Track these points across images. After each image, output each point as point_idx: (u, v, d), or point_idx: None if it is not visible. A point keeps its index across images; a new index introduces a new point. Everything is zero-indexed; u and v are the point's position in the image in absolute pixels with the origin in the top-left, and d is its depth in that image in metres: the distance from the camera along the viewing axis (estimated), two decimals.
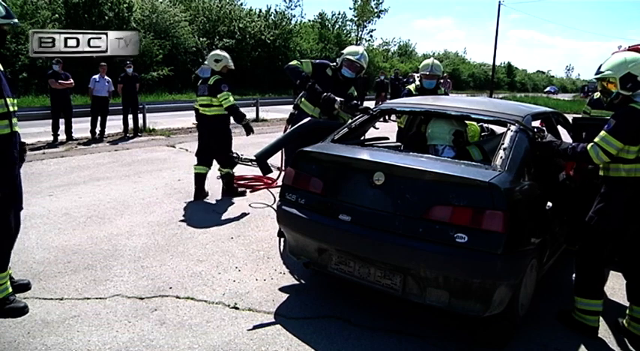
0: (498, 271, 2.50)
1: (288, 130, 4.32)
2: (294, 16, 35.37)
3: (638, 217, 2.82)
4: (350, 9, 53.20)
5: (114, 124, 10.92)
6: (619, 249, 3.00)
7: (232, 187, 6.02)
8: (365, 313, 3.14)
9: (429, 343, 2.84)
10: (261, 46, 28.16)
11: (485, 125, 4.38)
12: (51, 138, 9.70)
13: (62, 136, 9.86)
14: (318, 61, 4.81)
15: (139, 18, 22.97)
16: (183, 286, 3.46)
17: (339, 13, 43.94)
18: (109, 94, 10.52)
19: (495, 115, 3.24)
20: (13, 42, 17.15)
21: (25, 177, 4.25)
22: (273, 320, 3.03)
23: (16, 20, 2.87)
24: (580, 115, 5.43)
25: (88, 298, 3.21)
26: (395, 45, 49.46)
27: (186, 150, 9.17)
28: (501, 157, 2.81)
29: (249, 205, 5.62)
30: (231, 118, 5.81)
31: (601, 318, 3.10)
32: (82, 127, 10.37)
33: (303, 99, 4.67)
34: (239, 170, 6.26)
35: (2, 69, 2.93)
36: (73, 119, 10.05)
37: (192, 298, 3.27)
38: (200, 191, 5.83)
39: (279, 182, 4.27)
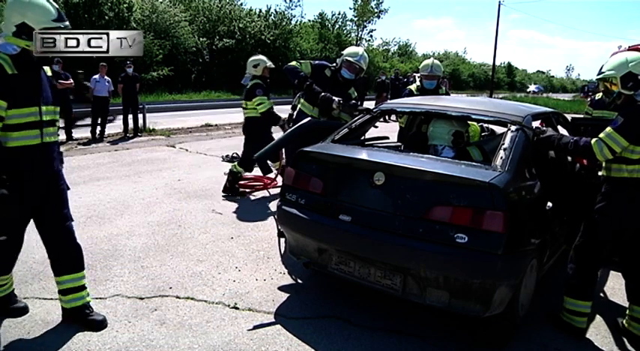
0: (498, 272, 2.50)
1: (288, 130, 4.32)
2: (294, 16, 35.44)
3: (638, 217, 2.82)
4: (350, 9, 53.26)
5: (114, 124, 10.92)
6: (619, 249, 3.00)
7: (234, 187, 6.05)
8: (365, 313, 3.14)
9: (429, 343, 2.84)
10: (261, 46, 28.13)
11: (486, 125, 4.38)
12: None
13: (62, 136, 9.85)
14: (317, 62, 4.82)
15: (139, 18, 22.96)
16: (183, 286, 3.46)
17: (339, 13, 44.06)
18: (110, 94, 10.52)
19: (495, 116, 3.23)
20: None
21: None
22: (273, 320, 3.03)
23: (67, 23, 2.58)
24: (581, 116, 5.42)
25: None
26: (395, 45, 49.55)
27: (186, 150, 9.18)
28: (501, 158, 2.81)
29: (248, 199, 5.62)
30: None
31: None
32: (82, 127, 10.37)
33: (301, 99, 4.68)
34: None
35: (49, 73, 2.73)
36: (71, 120, 10.04)
37: (192, 298, 3.27)
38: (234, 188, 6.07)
39: (279, 182, 4.27)
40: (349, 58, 4.52)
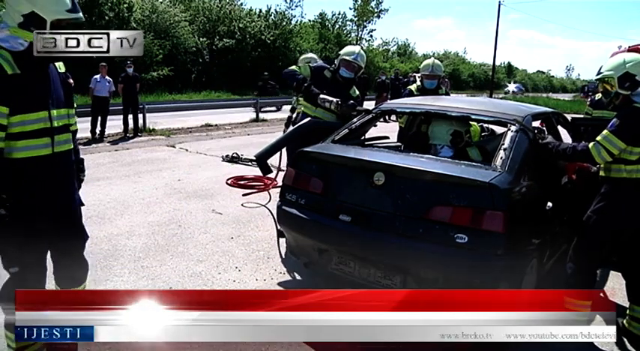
0: (498, 272, 2.50)
1: (287, 131, 4.33)
2: (295, 17, 35.42)
3: (637, 217, 2.82)
4: (350, 9, 53.16)
5: (114, 124, 10.91)
6: (618, 249, 3.00)
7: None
8: None
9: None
10: (261, 46, 28.17)
11: (486, 125, 4.39)
12: None
13: None
14: (316, 64, 4.84)
15: (139, 18, 22.97)
16: (183, 286, 3.46)
17: (339, 13, 43.86)
18: (110, 94, 10.52)
19: (495, 116, 3.24)
20: None
21: None
22: None
23: (81, 15, 2.21)
24: (581, 116, 5.42)
25: None
26: (395, 45, 49.53)
27: (187, 150, 9.18)
28: (501, 158, 2.81)
29: (242, 204, 5.62)
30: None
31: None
32: (82, 127, 10.35)
33: (301, 101, 4.68)
34: (239, 170, 6.27)
35: (61, 70, 2.36)
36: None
37: None
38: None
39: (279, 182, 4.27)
40: (346, 57, 4.52)
